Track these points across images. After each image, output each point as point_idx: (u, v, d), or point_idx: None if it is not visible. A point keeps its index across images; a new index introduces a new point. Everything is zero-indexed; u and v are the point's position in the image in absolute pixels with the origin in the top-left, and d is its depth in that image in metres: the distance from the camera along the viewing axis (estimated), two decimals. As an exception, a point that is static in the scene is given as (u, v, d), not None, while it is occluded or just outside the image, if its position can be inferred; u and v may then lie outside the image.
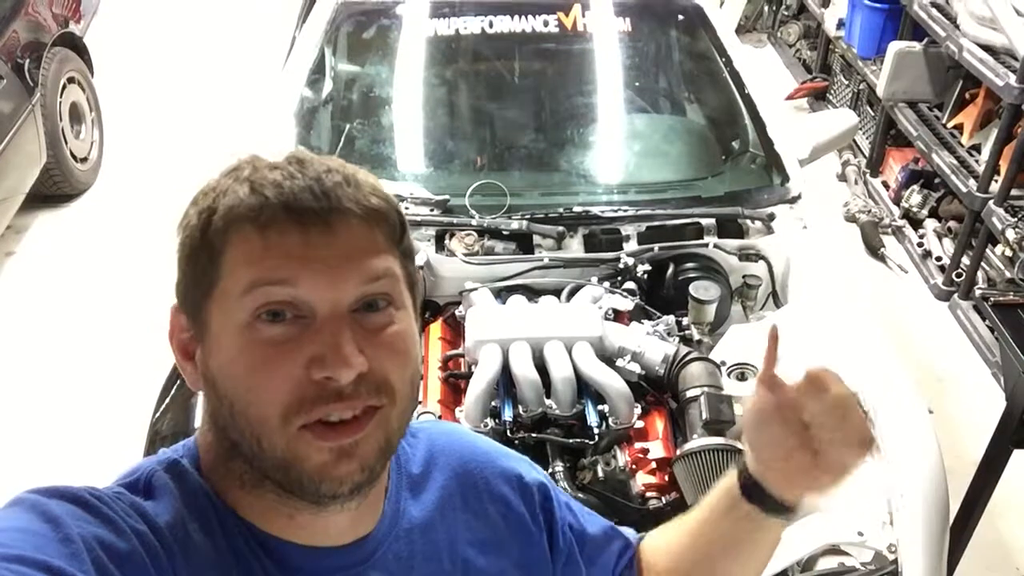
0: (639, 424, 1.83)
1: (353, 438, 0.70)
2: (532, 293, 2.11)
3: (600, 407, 1.82)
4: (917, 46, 4.01)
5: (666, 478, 1.76)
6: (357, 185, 0.71)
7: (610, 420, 1.80)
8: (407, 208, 2.19)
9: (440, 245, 2.20)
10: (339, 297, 0.69)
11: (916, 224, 4.07)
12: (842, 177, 4.58)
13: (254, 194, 0.68)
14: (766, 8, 6.13)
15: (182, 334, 0.75)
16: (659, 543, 1.00)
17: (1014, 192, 3.32)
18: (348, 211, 0.69)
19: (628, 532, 1.01)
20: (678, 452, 1.71)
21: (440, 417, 1.81)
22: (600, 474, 1.75)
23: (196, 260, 0.71)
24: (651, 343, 1.90)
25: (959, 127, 3.84)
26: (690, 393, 1.79)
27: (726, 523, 0.88)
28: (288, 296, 0.68)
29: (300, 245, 0.67)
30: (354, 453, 0.70)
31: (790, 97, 5.20)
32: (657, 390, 1.89)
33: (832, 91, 5.09)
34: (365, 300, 0.70)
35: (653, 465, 1.78)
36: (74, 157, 4.19)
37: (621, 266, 2.16)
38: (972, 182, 3.47)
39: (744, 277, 2.22)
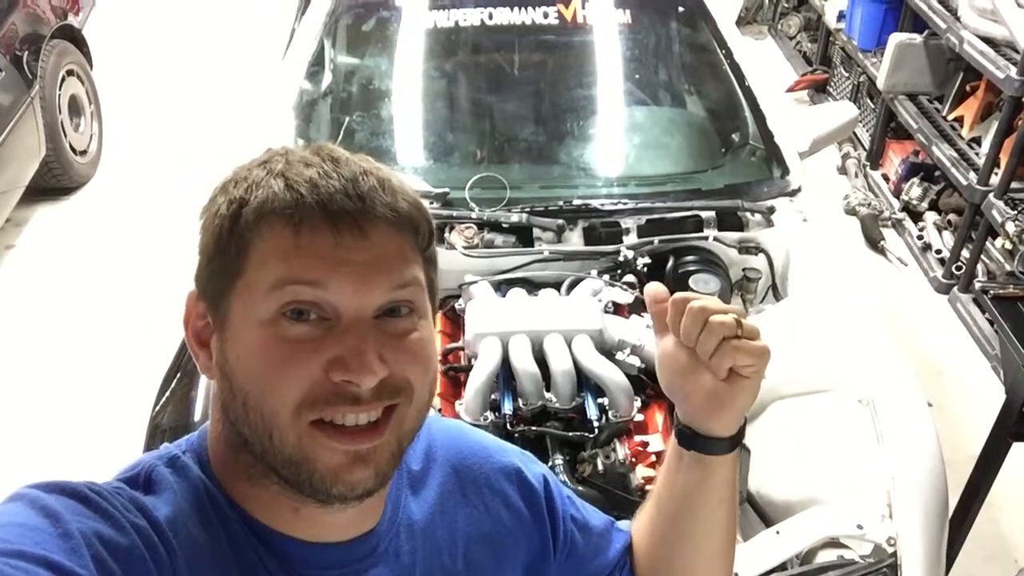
0: (639, 417, 1.83)
1: (372, 443, 0.70)
2: (532, 286, 2.11)
3: (600, 400, 1.83)
4: (918, 38, 4.00)
5: (666, 471, 1.76)
6: (392, 190, 0.71)
7: (610, 413, 1.81)
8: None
9: (440, 238, 2.20)
10: (366, 303, 0.69)
11: (916, 217, 4.06)
12: (842, 170, 4.58)
13: (289, 190, 0.68)
14: (766, 0, 6.12)
15: (198, 321, 0.74)
16: (635, 526, 1.00)
17: (1014, 185, 3.32)
18: (381, 216, 0.69)
19: (625, 525, 1.02)
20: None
21: (440, 411, 1.81)
22: (600, 467, 1.75)
23: (222, 250, 0.70)
24: (651, 336, 1.89)
25: (959, 120, 3.84)
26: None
27: (679, 479, 0.90)
28: (316, 297, 0.68)
29: (332, 246, 0.67)
30: (370, 459, 0.70)
31: (790, 89, 5.19)
32: (657, 383, 1.89)
33: (832, 83, 5.08)
34: (390, 306, 0.71)
35: (653, 458, 1.78)
36: (73, 150, 4.19)
37: (621, 259, 2.16)
38: (972, 175, 3.47)
39: (744, 270, 2.22)
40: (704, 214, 2.28)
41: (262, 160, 0.72)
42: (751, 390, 0.83)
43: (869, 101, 4.58)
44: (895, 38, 4.03)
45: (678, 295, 0.83)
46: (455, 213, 2.22)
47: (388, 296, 0.70)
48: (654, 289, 0.85)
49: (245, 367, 0.69)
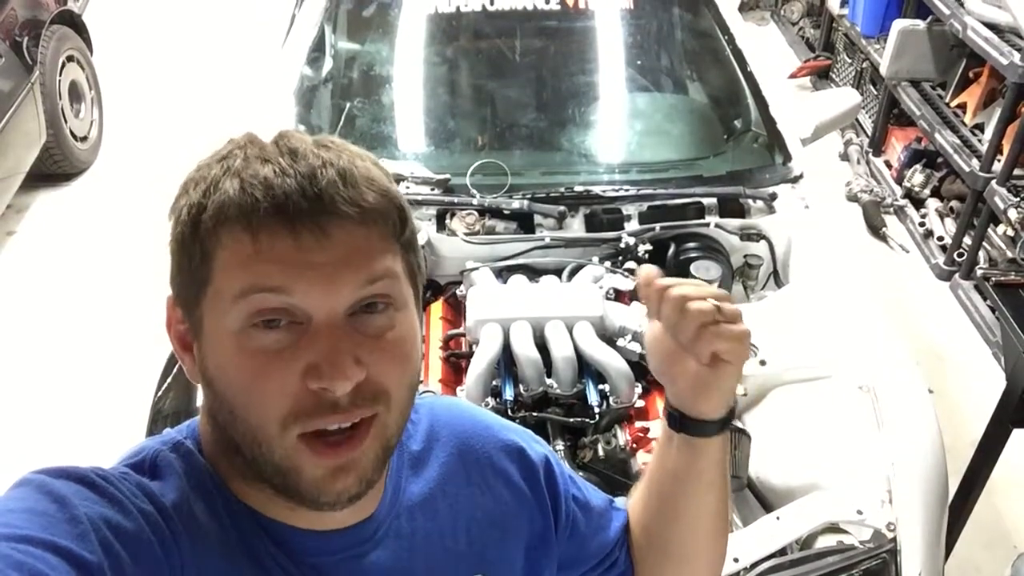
0: (640, 403, 1.84)
1: (350, 456, 0.69)
2: (533, 273, 2.11)
3: (601, 386, 1.83)
4: (921, 24, 3.99)
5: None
6: (354, 182, 0.67)
7: (611, 399, 1.81)
8: (408, 188, 2.19)
9: (441, 224, 2.20)
10: (335, 304, 0.66)
11: (918, 204, 4.06)
12: (844, 156, 4.57)
13: (243, 193, 0.65)
14: (769, -15, 6.10)
15: (179, 325, 0.73)
16: (630, 504, 1.01)
17: (1017, 172, 3.31)
18: (343, 214, 0.66)
19: (621, 503, 1.02)
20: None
21: (441, 396, 1.82)
22: (601, 453, 1.76)
23: (188, 257, 0.68)
24: (652, 323, 1.90)
25: (962, 106, 3.82)
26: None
27: (669, 461, 0.90)
28: (282, 303, 0.65)
29: (292, 249, 0.64)
30: (351, 468, 0.70)
31: (793, 76, 5.17)
32: (658, 370, 1.90)
33: (835, 70, 5.06)
34: (363, 303, 0.68)
35: (653, 444, 1.78)
36: (74, 136, 4.18)
37: (622, 246, 2.16)
38: (975, 162, 3.46)
39: (745, 257, 2.22)
40: (706, 200, 2.28)
41: (222, 155, 0.69)
42: (734, 373, 0.83)
43: (872, 87, 4.56)
44: (898, 24, 4.02)
45: (661, 281, 0.81)
46: (456, 199, 2.21)
47: (358, 293, 0.67)
48: (645, 271, 0.84)
49: (225, 378, 0.68)
